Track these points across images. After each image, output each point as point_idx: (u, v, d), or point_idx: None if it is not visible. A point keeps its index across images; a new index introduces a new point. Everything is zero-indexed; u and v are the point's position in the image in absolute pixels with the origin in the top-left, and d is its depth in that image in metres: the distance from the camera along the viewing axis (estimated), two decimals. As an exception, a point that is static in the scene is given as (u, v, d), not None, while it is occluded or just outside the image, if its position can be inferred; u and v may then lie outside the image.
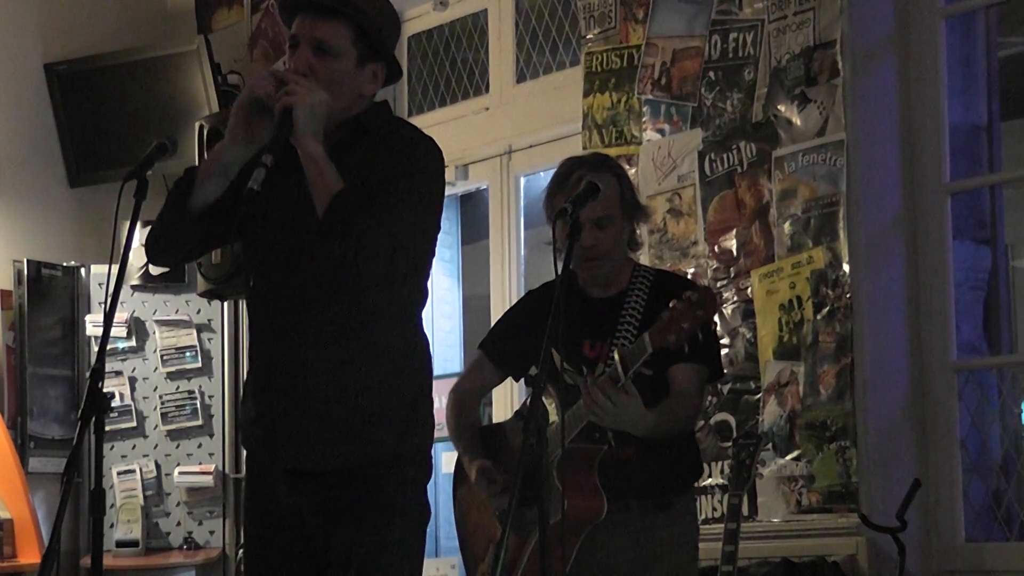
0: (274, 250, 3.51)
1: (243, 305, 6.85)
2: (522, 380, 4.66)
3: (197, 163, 6.22)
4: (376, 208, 3.34)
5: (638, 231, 4.34)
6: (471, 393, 4.47)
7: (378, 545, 3.42)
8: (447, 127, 6.27)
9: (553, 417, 4.14)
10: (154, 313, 6.99)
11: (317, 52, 3.46)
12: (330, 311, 3.44)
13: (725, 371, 4.56)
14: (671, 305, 3.89)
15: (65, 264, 7.06)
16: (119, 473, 6.89)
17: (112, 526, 6.81)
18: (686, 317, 3.87)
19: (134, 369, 6.99)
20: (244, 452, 4.71)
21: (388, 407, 3.46)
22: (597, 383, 3.95)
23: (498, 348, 4.40)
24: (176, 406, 6.94)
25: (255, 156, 3.42)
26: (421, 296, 3.56)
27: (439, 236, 3.56)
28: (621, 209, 4.21)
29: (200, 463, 6.89)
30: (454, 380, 4.55)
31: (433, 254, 3.56)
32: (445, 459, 5.95)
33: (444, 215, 3.60)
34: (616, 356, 3.96)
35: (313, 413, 3.44)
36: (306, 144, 3.37)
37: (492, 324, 4.59)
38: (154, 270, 6.81)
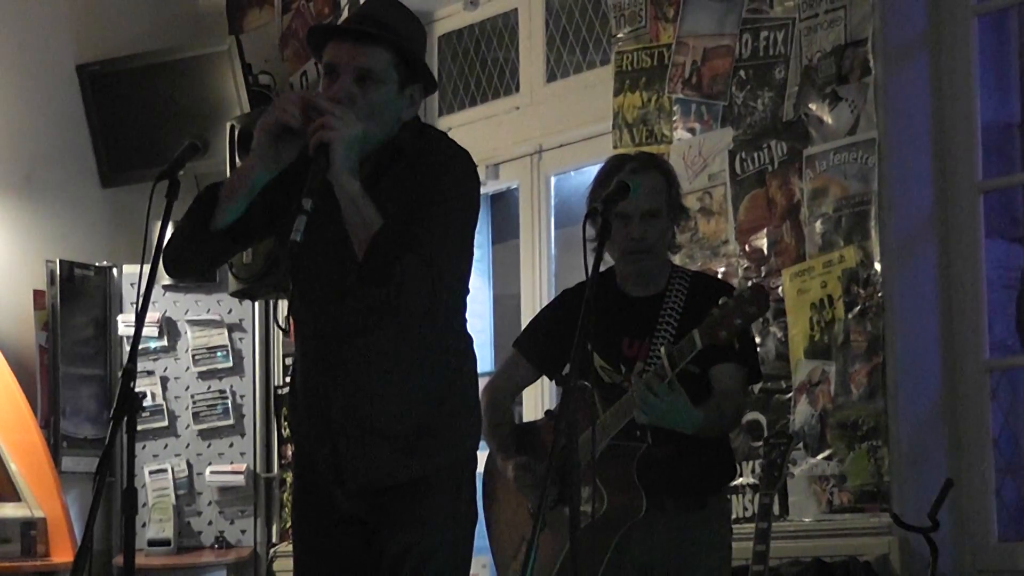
0: (317, 284, 3.49)
1: (272, 304, 6.86)
2: (555, 379, 4.65)
3: (228, 163, 6.29)
4: (414, 241, 3.30)
5: (677, 234, 4.36)
6: (505, 391, 4.47)
7: (432, 547, 3.45)
8: (477, 126, 6.27)
9: (597, 416, 4.14)
10: (186, 313, 7.01)
11: (360, 80, 3.39)
12: (378, 339, 3.44)
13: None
14: (721, 302, 3.91)
15: (97, 264, 7.07)
16: (151, 472, 6.92)
17: (144, 525, 6.82)
18: (739, 313, 3.88)
19: (166, 369, 7.01)
20: (291, 452, 4.70)
21: (444, 419, 3.49)
22: (644, 380, 3.95)
23: (533, 346, 4.40)
24: (207, 405, 6.96)
25: (280, 177, 3.39)
26: (464, 303, 3.57)
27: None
28: (668, 206, 4.22)
29: (231, 462, 6.91)
30: (485, 380, 4.55)
31: (472, 264, 3.55)
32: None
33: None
34: (663, 353, 3.97)
35: (375, 434, 3.46)
36: (343, 182, 3.30)
37: (523, 323, 4.58)
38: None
